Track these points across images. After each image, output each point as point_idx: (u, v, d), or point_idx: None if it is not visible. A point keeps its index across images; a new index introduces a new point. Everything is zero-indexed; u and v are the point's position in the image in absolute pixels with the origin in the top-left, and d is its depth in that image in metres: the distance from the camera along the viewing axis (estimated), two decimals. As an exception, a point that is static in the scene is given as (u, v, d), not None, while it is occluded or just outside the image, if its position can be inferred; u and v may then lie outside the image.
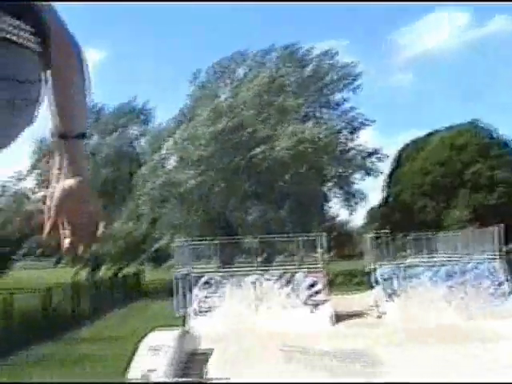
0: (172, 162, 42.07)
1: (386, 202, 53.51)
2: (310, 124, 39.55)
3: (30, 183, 48.02)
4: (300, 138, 37.50)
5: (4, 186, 50.51)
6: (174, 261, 25.06)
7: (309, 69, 43.54)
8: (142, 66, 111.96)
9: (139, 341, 10.95)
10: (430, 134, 54.11)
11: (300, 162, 38.14)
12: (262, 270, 23.28)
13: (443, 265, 23.91)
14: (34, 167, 46.79)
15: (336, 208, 47.88)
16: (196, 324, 19.61)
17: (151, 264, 49.11)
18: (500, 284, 22.68)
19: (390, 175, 52.73)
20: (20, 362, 14.76)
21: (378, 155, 43.94)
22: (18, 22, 1.79)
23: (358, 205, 44.97)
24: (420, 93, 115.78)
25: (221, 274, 23.11)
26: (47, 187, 2.10)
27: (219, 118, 37.95)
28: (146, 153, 44.63)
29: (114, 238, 41.49)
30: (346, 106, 44.41)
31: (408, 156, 52.86)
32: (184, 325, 19.05)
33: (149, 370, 8.52)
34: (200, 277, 22.72)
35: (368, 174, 43.73)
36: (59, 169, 1.97)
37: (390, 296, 22.73)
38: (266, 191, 38.92)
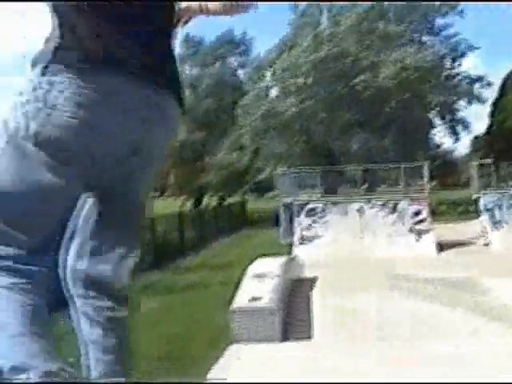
0: (274, 92, 42.03)
1: (490, 130, 52.05)
2: (412, 50, 38.59)
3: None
4: (404, 65, 36.75)
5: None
6: (278, 190, 25.28)
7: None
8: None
9: (245, 268, 11.05)
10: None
11: (404, 89, 37.41)
12: (365, 199, 23.33)
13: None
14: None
15: (440, 136, 46.99)
16: (301, 252, 19.84)
17: (254, 194, 49.56)
18: None
19: (495, 103, 51.06)
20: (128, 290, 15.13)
21: (483, 82, 42.55)
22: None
23: (462, 133, 44.08)
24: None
25: (324, 202, 23.28)
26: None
27: (320, 46, 37.48)
28: (248, 83, 44.69)
29: (217, 168, 42.14)
30: (450, 31, 43.01)
31: (515, 83, 50.94)
32: (289, 253, 19.25)
33: (254, 297, 8.68)
34: (304, 205, 22.93)
35: (473, 101, 42.53)
36: None
37: (495, 225, 22.41)
38: (368, 120, 38.45)
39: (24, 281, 2.09)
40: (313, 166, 26.43)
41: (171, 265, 20.37)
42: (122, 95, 2.11)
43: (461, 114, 43.53)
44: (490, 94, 48.04)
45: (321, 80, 37.76)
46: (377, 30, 38.83)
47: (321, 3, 41.08)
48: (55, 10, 2.13)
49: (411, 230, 21.74)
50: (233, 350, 7.00)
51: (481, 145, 53.38)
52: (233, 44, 48.30)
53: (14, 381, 1.97)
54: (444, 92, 41.20)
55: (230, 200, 45.12)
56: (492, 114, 51.80)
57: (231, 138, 42.96)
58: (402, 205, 22.38)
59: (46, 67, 2.08)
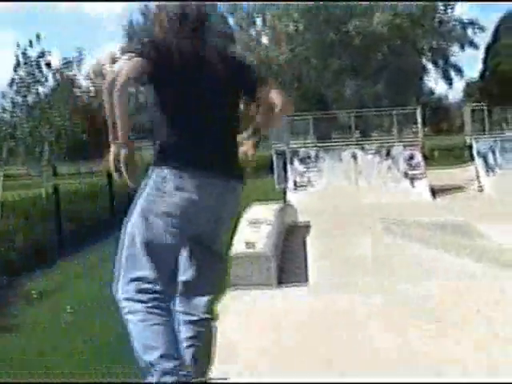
0: (265, 40, 41.65)
1: (483, 75, 51.87)
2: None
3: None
4: (396, 11, 36.40)
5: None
6: (271, 137, 25.17)
7: None
8: None
9: (240, 215, 11.07)
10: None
11: (396, 35, 37.14)
12: (359, 145, 23.30)
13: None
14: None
15: (433, 82, 46.80)
16: (295, 198, 19.89)
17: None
18: None
19: (488, 48, 50.81)
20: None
21: (476, 27, 42.24)
22: None
23: (455, 79, 43.91)
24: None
25: (318, 148, 23.26)
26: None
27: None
28: (238, 31, 44.20)
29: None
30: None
31: (507, 28, 50.62)
32: (284, 199, 19.29)
33: (249, 243, 8.69)
34: (297, 152, 22.93)
35: (466, 46, 42.29)
36: None
37: (488, 170, 22.43)
38: (361, 66, 38.21)
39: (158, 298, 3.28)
40: (305, 113, 26.27)
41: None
42: (209, 186, 3.36)
43: (454, 59, 43.31)
44: (483, 39, 47.77)
45: (312, 26, 37.39)
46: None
47: None
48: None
49: (405, 176, 21.76)
50: (228, 295, 7.01)
51: (474, 90, 53.22)
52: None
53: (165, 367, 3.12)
54: (437, 37, 40.93)
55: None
56: (485, 60, 51.56)
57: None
58: (396, 150, 22.34)
59: (161, 167, 3.34)
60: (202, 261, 3.52)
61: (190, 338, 3.42)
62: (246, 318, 6.52)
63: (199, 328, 3.44)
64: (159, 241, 3.27)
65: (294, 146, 23.43)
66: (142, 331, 3.14)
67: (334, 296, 7.55)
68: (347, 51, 37.89)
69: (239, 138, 3.71)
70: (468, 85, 56.49)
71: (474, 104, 29.83)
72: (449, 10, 41.99)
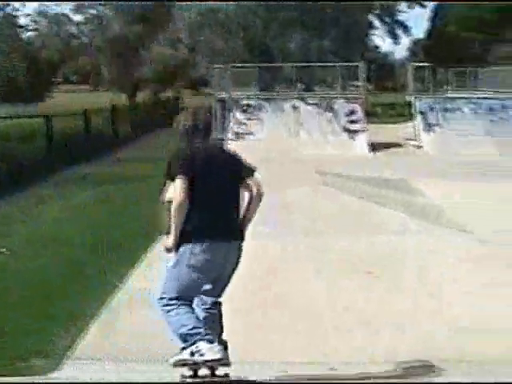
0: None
1: (430, 34, 52.00)
2: None
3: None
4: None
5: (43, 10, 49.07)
6: (213, 85, 24.84)
7: None
8: None
9: None
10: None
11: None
12: (301, 97, 23.14)
13: (485, 98, 23.51)
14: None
15: (379, 39, 46.91)
16: (235, 148, 19.67)
17: (189, 90, 49.02)
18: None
19: (436, 7, 50.86)
20: (62, 181, 14.80)
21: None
22: None
23: (402, 37, 44.06)
24: None
25: (260, 98, 23.04)
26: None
27: None
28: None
29: (153, 62, 41.20)
30: None
31: (456, -13, 50.66)
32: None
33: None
34: (239, 101, 22.67)
35: (414, 4, 42.41)
36: None
37: (428, 128, 22.56)
38: (309, 19, 37.79)
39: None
40: (249, 64, 25.95)
41: (106, 157, 19.97)
42: (216, 250, 4.46)
43: (401, 17, 43.38)
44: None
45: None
46: None
47: None
48: None
49: (346, 130, 21.74)
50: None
51: (420, 49, 53.42)
52: None
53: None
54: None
55: (165, 95, 44.44)
56: (433, 19, 51.63)
57: (167, 33, 41.84)
58: (338, 104, 22.28)
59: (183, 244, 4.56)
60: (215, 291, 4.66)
61: (205, 318, 4.50)
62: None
63: (212, 310, 4.58)
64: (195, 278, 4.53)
65: (237, 95, 23.12)
66: (177, 320, 4.40)
67: (265, 241, 7.54)
68: (295, 4, 37.43)
69: None
70: (414, 43, 56.59)
71: (418, 63, 29.84)
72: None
